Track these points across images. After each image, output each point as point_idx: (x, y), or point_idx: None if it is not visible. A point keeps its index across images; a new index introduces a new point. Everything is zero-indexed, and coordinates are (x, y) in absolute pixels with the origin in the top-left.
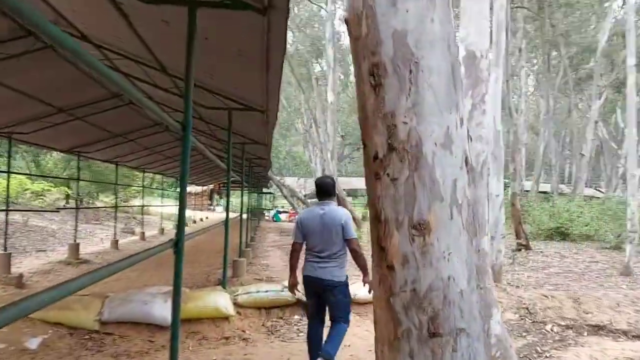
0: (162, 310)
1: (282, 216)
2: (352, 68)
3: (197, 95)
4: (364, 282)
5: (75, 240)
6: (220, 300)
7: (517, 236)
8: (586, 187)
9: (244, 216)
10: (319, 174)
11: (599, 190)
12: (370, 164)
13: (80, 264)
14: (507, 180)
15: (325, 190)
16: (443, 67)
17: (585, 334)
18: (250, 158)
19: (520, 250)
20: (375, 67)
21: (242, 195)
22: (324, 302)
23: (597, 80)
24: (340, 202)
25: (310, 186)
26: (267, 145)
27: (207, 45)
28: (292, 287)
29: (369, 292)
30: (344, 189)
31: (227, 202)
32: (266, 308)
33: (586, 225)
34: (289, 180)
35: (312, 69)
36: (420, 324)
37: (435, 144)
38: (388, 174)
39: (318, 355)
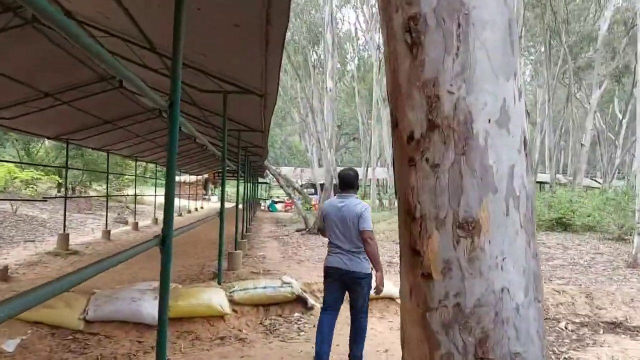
0: (151, 309)
1: (278, 206)
2: (349, 55)
3: (190, 77)
4: (376, 278)
5: (64, 231)
6: (215, 297)
7: None
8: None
9: (240, 206)
10: (315, 164)
11: (595, 181)
12: (403, 147)
13: (70, 255)
14: None
15: (347, 182)
16: (499, 20)
17: (602, 331)
18: (246, 146)
19: None
20: (413, 20)
21: (237, 185)
22: (344, 294)
23: (597, 69)
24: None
25: (306, 176)
26: (264, 133)
27: (200, 17)
28: None
29: (378, 292)
30: None
31: (222, 191)
32: (264, 305)
33: (588, 216)
34: (285, 170)
35: (309, 56)
36: (464, 348)
37: (489, 120)
38: (427, 159)
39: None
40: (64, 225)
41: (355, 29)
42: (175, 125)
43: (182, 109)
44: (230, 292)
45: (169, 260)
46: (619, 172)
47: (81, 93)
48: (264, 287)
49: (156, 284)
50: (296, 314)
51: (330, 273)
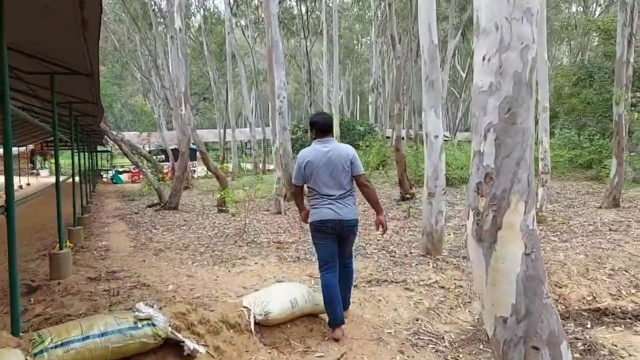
0: None
1: (124, 177)
2: (193, 7)
3: None
4: (378, 221)
5: None
6: None
7: (401, 185)
8: None
9: (70, 180)
10: (164, 127)
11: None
12: None
13: None
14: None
15: (325, 126)
16: None
17: (589, 324)
18: (70, 102)
19: (405, 200)
20: None
21: (56, 153)
22: (338, 244)
23: (452, 20)
24: (205, 160)
25: (154, 140)
26: (92, 77)
27: None
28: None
29: (383, 233)
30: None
31: (7, 167)
32: None
33: (461, 168)
34: (129, 135)
35: (149, 3)
36: None
37: None
38: None
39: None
40: None
41: None
42: None
43: None
44: (35, 355)
45: None
46: (462, 125)
47: None
48: (102, 334)
49: None
50: None
51: (325, 227)
